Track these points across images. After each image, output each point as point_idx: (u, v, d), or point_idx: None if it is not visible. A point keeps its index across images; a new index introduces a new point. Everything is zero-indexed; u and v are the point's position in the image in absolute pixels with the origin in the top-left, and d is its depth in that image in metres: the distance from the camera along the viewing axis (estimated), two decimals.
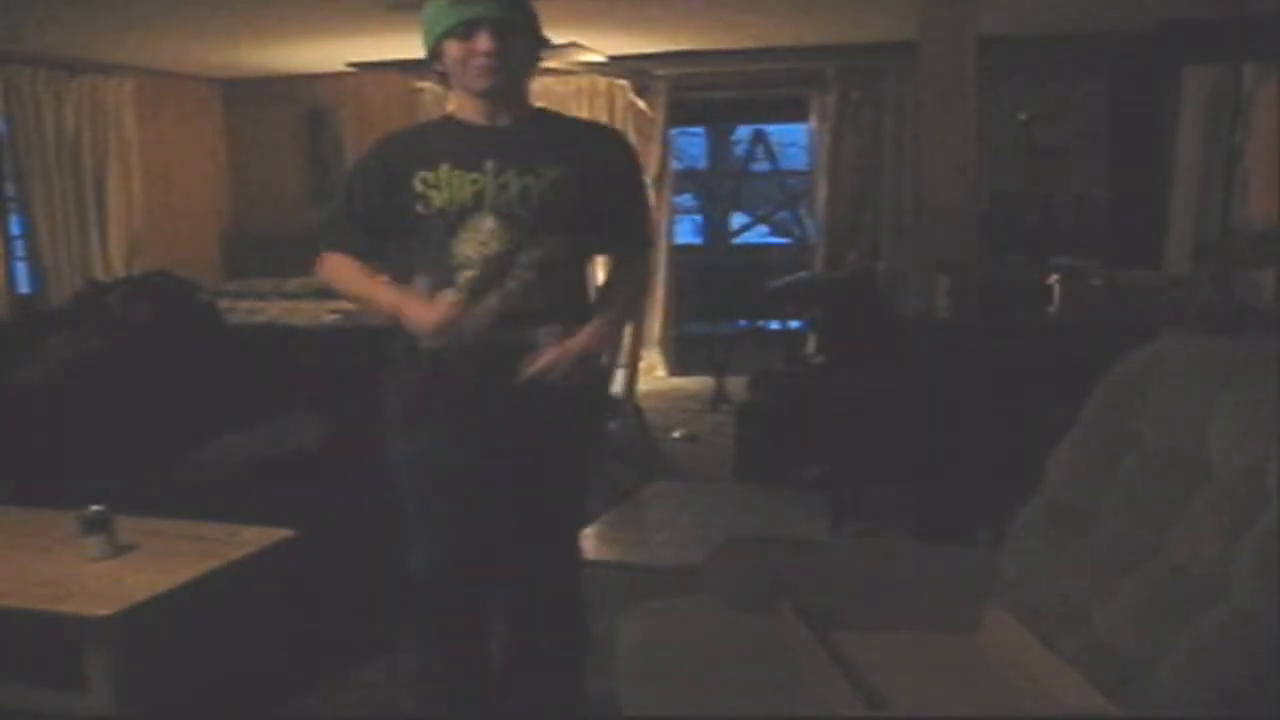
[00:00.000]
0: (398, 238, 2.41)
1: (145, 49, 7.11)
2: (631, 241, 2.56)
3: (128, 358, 4.17)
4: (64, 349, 4.12)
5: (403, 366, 2.43)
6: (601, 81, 7.82)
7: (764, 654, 2.20)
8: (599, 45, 6.01)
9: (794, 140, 9.94)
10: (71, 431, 3.79)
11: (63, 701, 2.69)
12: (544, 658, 2.66)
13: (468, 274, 2.33)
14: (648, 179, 7.93)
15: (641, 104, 7.88)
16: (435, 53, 2.37)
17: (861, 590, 2.40)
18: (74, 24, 6.05)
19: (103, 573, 2.80)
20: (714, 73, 7.79)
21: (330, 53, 6.96)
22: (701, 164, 11.44)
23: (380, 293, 2.43)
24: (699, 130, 10.92)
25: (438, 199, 2.33)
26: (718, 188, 11.34)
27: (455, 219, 2.33)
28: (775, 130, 10.59)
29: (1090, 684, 1.91)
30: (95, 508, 2.88)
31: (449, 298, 2.32)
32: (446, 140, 2.40)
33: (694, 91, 7.96)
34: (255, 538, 3.03)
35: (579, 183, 2.36)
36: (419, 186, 2.34)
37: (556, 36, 5.72)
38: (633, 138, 7.90)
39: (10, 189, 7.12)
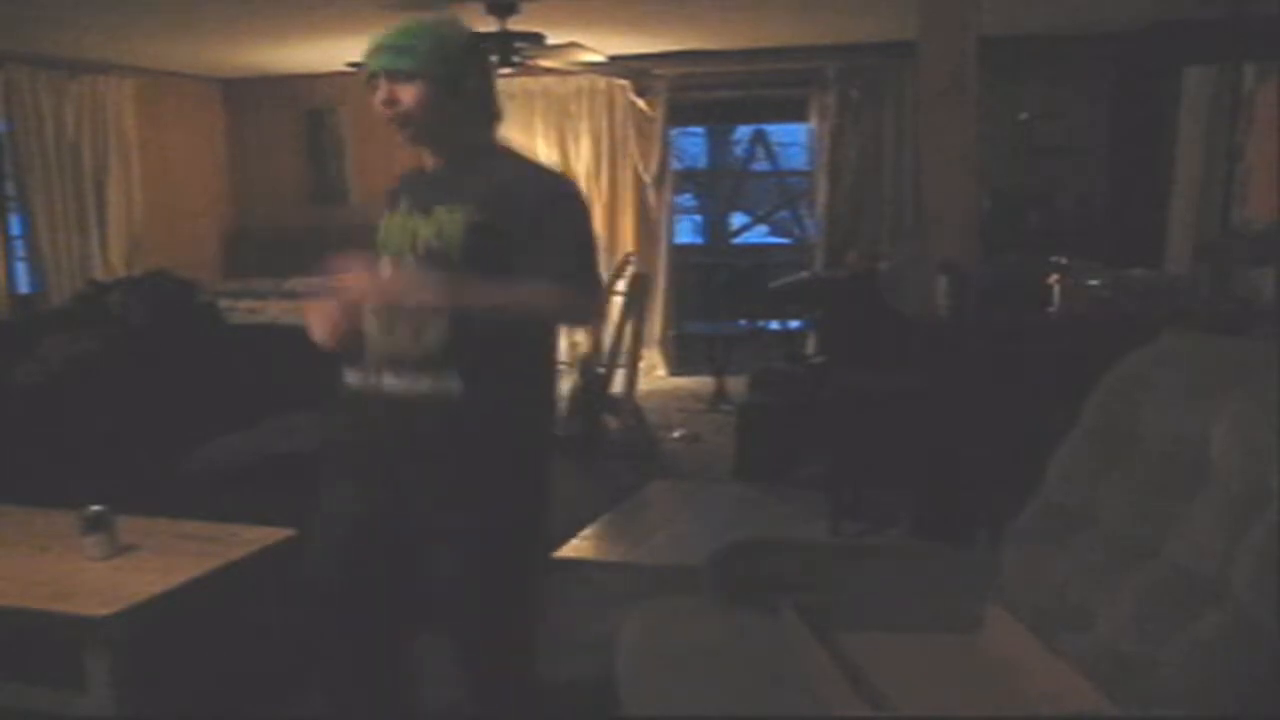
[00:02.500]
0: None
1: (145, 49, 7.11)
2: (564, 274, 2.20)
3: (128, 358, 4.17)
4: (64, 349, 4.12)
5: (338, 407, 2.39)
6: (601, 81, 7.83)
7: (764, 654, 2.21)
8: (599, 45, 6.01)
9: (794, 140, 9.93)
10: (71, 431, 3.79)
11: (63, 701, 2.69)
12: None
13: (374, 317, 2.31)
14: (647, 177, 7.92)
15: (641, 104, 7.88)
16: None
17: (861, 590, 2.40)
18: (74, 24, 6.05)
19: (103, 573, 2.80)
20: (714, 73, 7.79)
21: (330, 53, 6.96)
22: (701, 164, 11.44)
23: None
24: (699, 130, 10.92)
25: (376, 239, 2.38)
26: (718, 188, 11.34)
27: (375, 262, 2.34)
28: (775, 130, 10.59)
29: (1090, 684, 1.91)
30: (95, 508, 2.88)
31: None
32: (401, 184, 2.45)
33: (694, 91, 7.96)
34: (255, 538, 3.03)
35: (475, 226, 2.22)
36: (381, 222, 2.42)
37: (556, 36, 5.76)
38: (633, 138, 7.91)
39: (10, 189, 7.12)
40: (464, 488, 2.27)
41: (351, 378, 2.35)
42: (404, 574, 2.36)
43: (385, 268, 2.32)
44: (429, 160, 2.38)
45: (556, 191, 2.32)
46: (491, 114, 2.39)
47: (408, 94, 2.25)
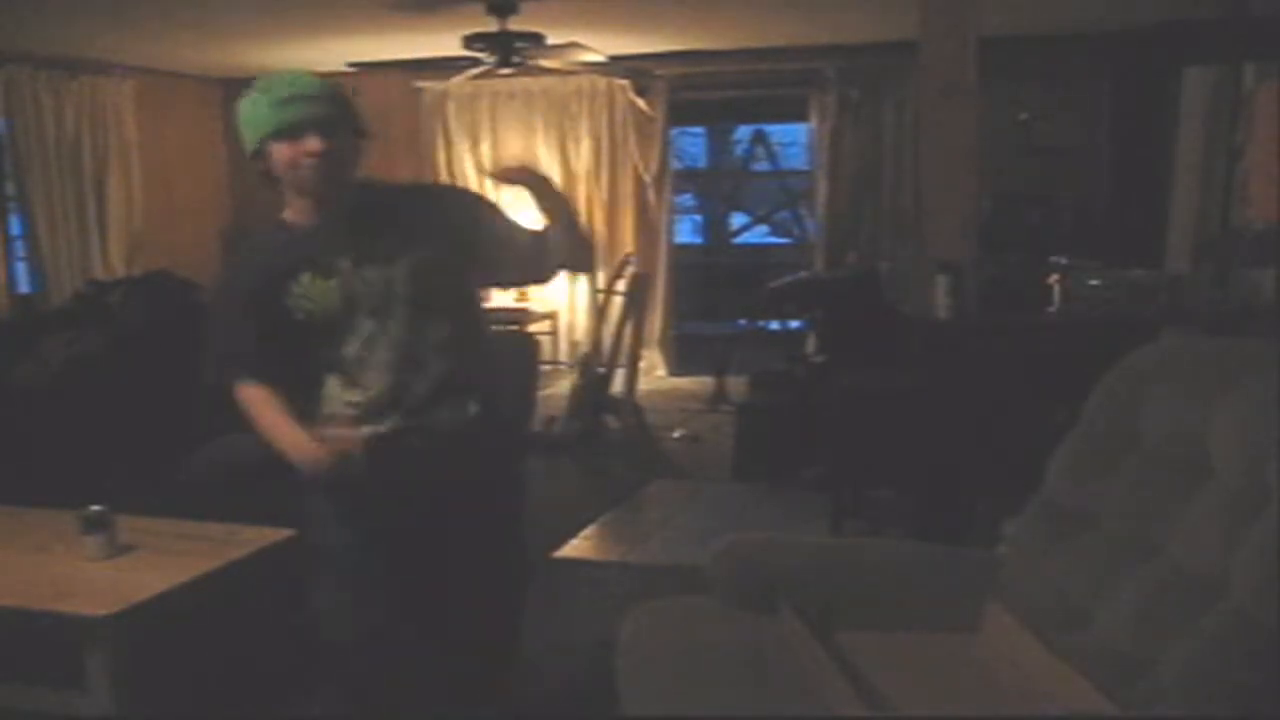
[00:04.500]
0: (286, 346, 2.35)
1: (145, 49, 7.11)
2: (532, 268, 2.44)
3: (128, 358, 4.17)
4: (64, 349, 4.12)
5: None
6: (601, 81, 7.83)
7: (764, 654, 2.21)
8: (599, 45, 6.00)
9: (794, 140, 9.95)
10: (71, 431, 3.78)
11: (63, 701, 2.69)
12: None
13: (371, 380, 2.32)
14: (647, 177, 7.93)
15: (641, 104, 7.88)
16: (259, 153, 2.25)
17: (861, 590, 2.40)
18: (74, 24, 6.05)
19: (103, 573, 2.80)
20: (714, 73, 7.79)
21: (330, 53, 6.95)
22: (701, 164, 11.44)
23: (276, 434, 2.33)
24: (699, 130, 10.93)
25: (311, 307, 2.28)
26: (718, 188, 11.34)
27: (331, 325, 2.29)
28: (775, 130, 10.60)
29: (1090, 684, 1.91)
30: (95, 508, 2.88)
31: (338, 433, 2.29)
32: (295, 247, 2.31)
33: (694, 91, 7.96)
34: (255, 538, 3.03)
35: (434, 261, 2.31)
36: (292, 297, 2.28)
37: (556, 36, 5.77)
38: (633, 138, 7.91)
39: (10, 189, 7.12)
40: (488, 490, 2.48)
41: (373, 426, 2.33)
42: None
43: (366, 327, 2.29)
44: (309, 213, 2.31)
45: (460, 191, 2.47)
46: None
47: (334, 144, 2.22)
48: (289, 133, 2.20)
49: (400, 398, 2.32)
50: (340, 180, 2.28)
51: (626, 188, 8.03)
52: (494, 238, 2.37)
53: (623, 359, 6.15)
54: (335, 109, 2.25)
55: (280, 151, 2.21)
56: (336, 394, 2.35)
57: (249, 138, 2.25)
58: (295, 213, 2.33)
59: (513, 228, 2.39)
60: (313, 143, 2.20)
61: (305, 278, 2.27)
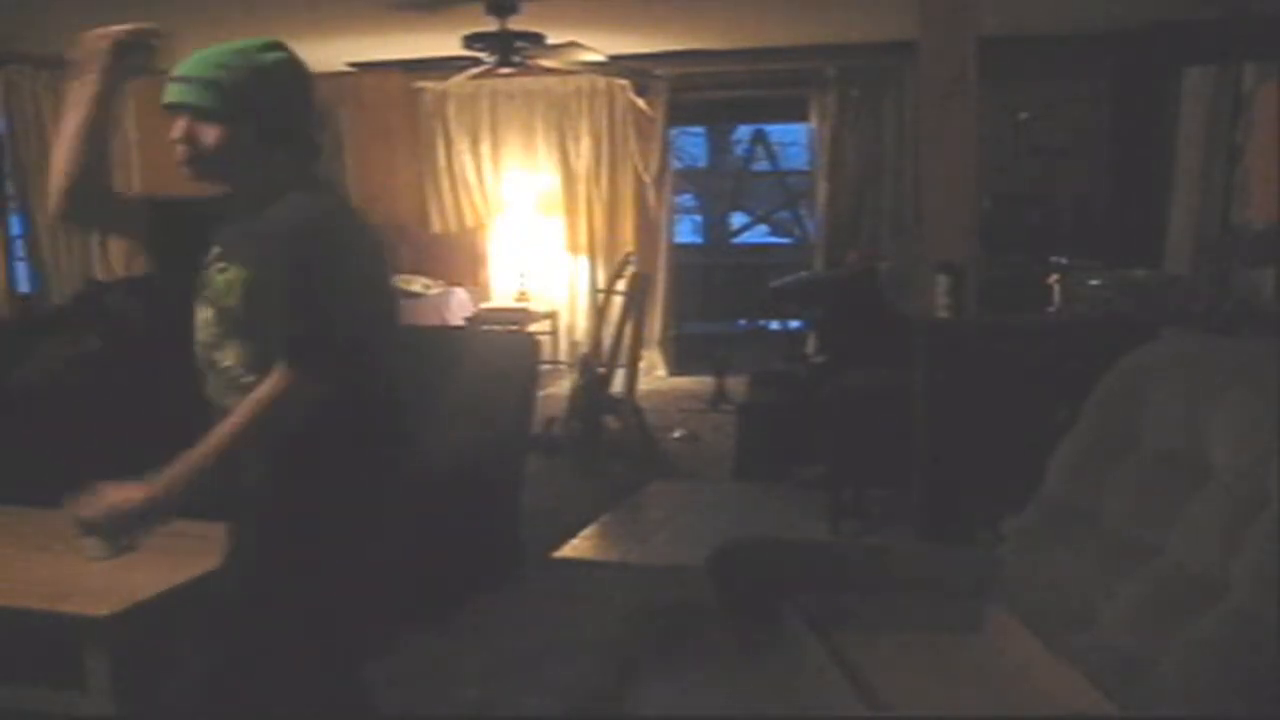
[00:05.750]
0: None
1: None
2: (280, 347, 1.99)
3: (128, 358, 4.17)
4: (64, 349, 4.12)
5: None
6: (601, 81, 7.83)
7: (764, 654, 2.21)
8: (599, 45, 6.00)
9: (794, 140, 9.94)
10: (72, 431, 3.78)
11: (63, 701, 2.69)
12: None
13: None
14: (647, 177, 7.92)
15: (641, 104, 7.89)
16: None
17: (861, 590, 2.40)
18: (74, 24, 6.04)
19: (103, 573, 2.80)
20: (714, 73, 7.79)
21: (330, 53, 6.95)
22: (701, 164, 11.44)
23: None
24: (699, 130, 10.92)
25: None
26: (718, 188, 11.34)
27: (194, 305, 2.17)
28: (775, 130, 10.59)
29: (1090, 684, 1.91)
30: None
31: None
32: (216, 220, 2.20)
33: (694, 91, 7.96)
34: None
35: (248, 285, 2.04)
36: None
37: (556, 36, 5.76)
38: (633, 138, 7.92)
39: (10, 189, 7.12)
40: None
41: None
42: None
43: (203, 316, 2.14)
44: (234, 204, 2.17)
45: (296, 235, 2.02)
46: (304, 152, 2.16)
47: (210, 136, 2.06)
48: (168, 112, 2.13)
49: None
50: (220, 173, 2.10)
51: (626, 188, 8.03)
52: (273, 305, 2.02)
53: (623, 359, 6.14)
54: (206, 97, 2.05)
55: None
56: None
57: None
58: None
59: (281, 305, 1.99)
60: (176, 127, 2.09)
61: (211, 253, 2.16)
